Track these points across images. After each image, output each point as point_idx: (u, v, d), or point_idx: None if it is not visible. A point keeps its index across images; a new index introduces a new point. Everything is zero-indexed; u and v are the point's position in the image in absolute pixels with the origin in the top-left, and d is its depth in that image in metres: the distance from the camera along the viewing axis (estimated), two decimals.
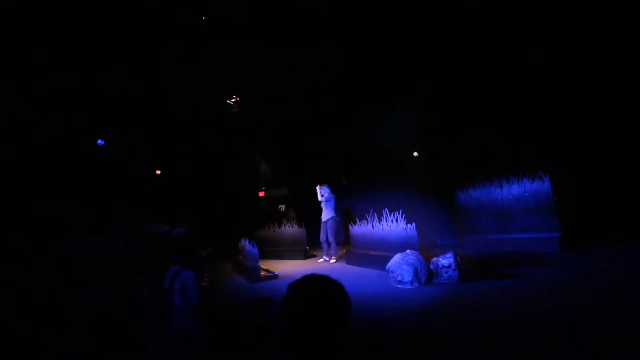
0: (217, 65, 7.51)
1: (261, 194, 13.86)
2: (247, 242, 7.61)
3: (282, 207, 13.68)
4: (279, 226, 9.93)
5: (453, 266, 5.15)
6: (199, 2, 6.27)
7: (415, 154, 10.72)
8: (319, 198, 8.40)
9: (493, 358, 2.71)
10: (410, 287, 5.13)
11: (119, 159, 8.80)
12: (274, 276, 6.99)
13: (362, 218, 7.61)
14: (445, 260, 5.27)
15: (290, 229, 9.60)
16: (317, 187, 8.48)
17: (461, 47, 7.84)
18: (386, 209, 6.78)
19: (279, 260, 9.16)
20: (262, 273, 7.19)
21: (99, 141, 8.60)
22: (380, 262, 6.08)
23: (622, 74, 6.57)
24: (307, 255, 9.13)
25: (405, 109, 9.54)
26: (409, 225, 6.27)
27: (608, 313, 3.13)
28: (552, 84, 7.20)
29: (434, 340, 3.21)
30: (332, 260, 8.10)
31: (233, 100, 8.50)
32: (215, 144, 10.49)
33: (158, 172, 10.37)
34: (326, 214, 8.24)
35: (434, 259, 5.37)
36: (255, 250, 7.23)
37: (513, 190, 6.96)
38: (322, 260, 8.38)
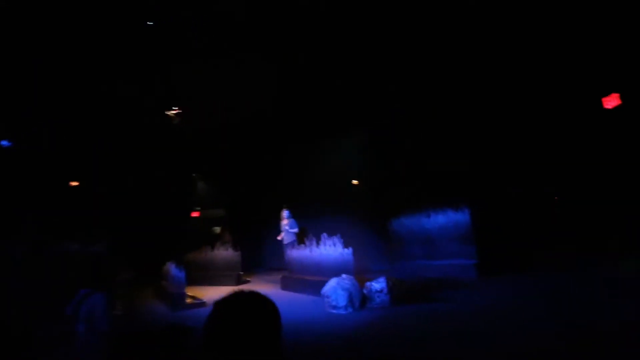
0: (156, 76, 7.10)
1: (195, 214, 12.99)
2: (173, 266, 6.95)
3: (218, 229, 12.97)
4: (212, 249, 9.31)
5: (385, 290, 5.32)
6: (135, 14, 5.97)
7: (355, 182, 11.21)
8: (283, 223, 8.30)
9: None
10: (344, 312, 5.13)
11: (28, 164, 7.52)
12: (201, 303, 6.44)
13: (301, 242, 7.57)
14: (378, 284, 5.44)
15: (224, 252, 9.06)
16: (283, 211, 8.37)
17: (393, 93, 8.69)
18: (324, 234, 6.84)
19: (209, 287, 8.50)
20: (188, 300, 6.59)
21: (3, 142, 7.31)
22: (316, 287, 6.01)
23: (530, 120, 7.84)
24: (239, 281, 8.63)
25: (345, 140, 10.03)
26: (345, 249, 6.38)
27: (518, 335, 3.48)
28: (472, 129, 8.28)
29: None
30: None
31: (174, 111, 8.00)
32: (147, 157, 9.66)
33: (74, 183, 9.12)
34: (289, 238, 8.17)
35: (368, 283, 5.50)
36: (181, 275, 6.63)
37: (439, 219, 7.59)
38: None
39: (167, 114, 7.94)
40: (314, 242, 7.10)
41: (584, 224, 7.29)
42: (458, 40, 7.39)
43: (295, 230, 8.25)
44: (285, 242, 8.27)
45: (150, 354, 1.75)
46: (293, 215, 8.62)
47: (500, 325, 3.78)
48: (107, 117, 7.87)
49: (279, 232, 9.11)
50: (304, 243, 7.85)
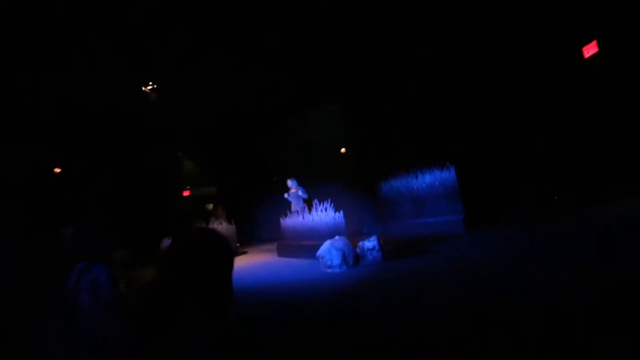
0: (137, 56, 6.79)
1: (185, 193, 12.98)
2: (169, 241, 7.03)
3: (210, 206, 13.03)
4: (207, 224, 9.41)
5: (377, 248, 5.56)
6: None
7: (343, 150, 11.28)
8: (291, 192, 8.24)
9: (409, 320, 3.01)
10: (339, 270, 5.36)
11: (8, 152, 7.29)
12: None
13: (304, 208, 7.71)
14: (369, 243, 5.66)
15: (219, 227, 9.18)
16: (288, 181, 8.28)
17: (381, 58, 8.53)
18: (316, 200, 6.97)
19: None
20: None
21: None
22: (311, 251, 6.21)
23: (513, 86, 7.90)
24: (236, 253, 8.84)
25: (329, 108, 9.96)
26: (337, 213, 6.55)
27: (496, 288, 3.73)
28: (457, 93, 8.32)
29: (360, 309, 3.43)
30: None
31: (149, 87, 7.72)
32: (132, 138, 9.45)
33: (57, 170, 8.94)
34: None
35: (360, 242, 5.71)
36: None
37: (426, 179, 7.78)
38: None
39: (144, 90, 7.66)
40: (306, 210, 7.25)
41: (572, 172, 7.56)
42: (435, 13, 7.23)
43: (305, 196, 8.25)
44: (293, 209, 8.30)
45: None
46: (299, 183, 8.54)
47: (479, 269, 4.06)
48: (87, 100, 7.58)
49: (283, 202, 9.14)
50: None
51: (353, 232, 8.03)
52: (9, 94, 6.89)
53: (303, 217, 7.30)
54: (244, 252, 9.14)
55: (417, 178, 7.99)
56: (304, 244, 6.96)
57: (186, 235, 0.93)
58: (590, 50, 6.53)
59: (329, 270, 5.43)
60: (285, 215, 8.03)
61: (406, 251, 5.61)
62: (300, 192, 8.19)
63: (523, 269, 3.82)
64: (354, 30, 7.76)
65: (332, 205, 6.71)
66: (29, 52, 6.21)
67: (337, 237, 5.86)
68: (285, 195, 8.31)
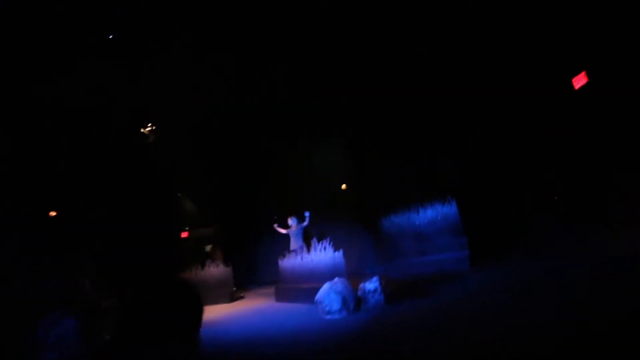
0: (134, 91, 6.98)
1: (184, 234, 12.71)
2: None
3: (208, 248, 12.70)
4: (202, 268, 9.06)
5: (379, 290, 5.22)
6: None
7: (344, 186, 11.18)
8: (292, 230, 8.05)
9: None
10: (339, 316, 4.99)
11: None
12: None
13: (304, 248, 7.46)
14: (371, 285, 5.33)
15: (215, 270, 8.83)
16: (289, 219, 8.16)
17: (378, 94, 8.74)
18: (314, 239, 6.73)
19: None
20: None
21: None
22: (310, 294, 5.85)
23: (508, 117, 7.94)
24: (233, 298, 8.39)
25: (332, 145, 10.01)
26: (336, 253, 6.28)
27: (511, 326, 3.40)
28: (456, 127, 8.37)
29: None
30: None
31: (148, 128, 7.84)
32: (129, 177, 9.42)
33: (53, 213, 8.83)
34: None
35: (361, 284, 5.39)
36: None
37: (428, 214, 7.56)
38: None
39: (142, 132, 7.77)
40: (305, 249, 6.99)
41: (577, 201, 7.29)
42: (435, 38, 7.50)
43: (306, 222, 8.04)
44: (292, 247, 8.05)
45: None
46: (299, 221, 8.36)
47: (488, 314, 3.73)
48: (83, 137, 7.66)
49: (282, 242, 8.87)
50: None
51: (354, 271, 7.68)
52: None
53: (302, 258, 7.01)
54: (241, 297, 8.70)
55: (418, 213, 7.77)
56: (303, 286, 6.61)
57: (151, 286, 0.92)
58: (580, 81, 6.62)
59: (328, 317, 5.06)
60: (284, 256, 7.74)
61: (410, 293, 5.26)
62: (298, 233, 8.00)
63: (533, 312, 3.49)
64: (353, 66, 8.01)
65: (331, 244, 6.46)
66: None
67: (336, 279, 5.54)
68: (284, 230, 8.14)
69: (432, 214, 7.48)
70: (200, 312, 0.90)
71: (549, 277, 4.80)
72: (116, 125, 7.49)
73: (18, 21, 5.57)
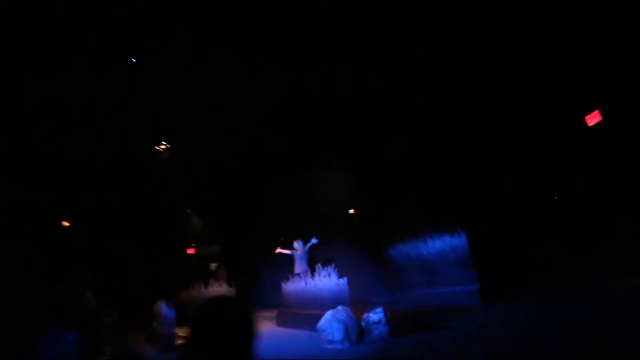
0: (145, 108, 7.25)
1: (190, 251, 12.72)
2: (163, 304, 6.66)
3: (214, 266, 12.64)
4: (206, 286, 8.98)
5: (383, 321, 5.05)
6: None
7: (351, 211, 11.12)
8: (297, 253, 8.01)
9: None
10: (340, 346, 4.83)
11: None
12: None
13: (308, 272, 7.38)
14: (375, 316, 5.17)
15: (218, 289, 8.74)
16: (294, 242, 8.13)
17: (386, 115, 8.86)
18: (319, 264, 6.64)
19: None
20: (179, 341, 6.22)
21: None
22: (312, 321, 5.71)
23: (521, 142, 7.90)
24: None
25: (339, 168, 10.06)
26: (340, 279, 6.17)
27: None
28: (464, 154, 8.35)
29: None
30: None
31: (162, 146, 8.09)
32: (138, 194, 9.62)
33: (65, 223, 9.00)
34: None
35: (365, 314, 5.23)
36: (171, 314, 6.33)
37: (436, 245, 7.40)
38: None
39: (157, 149, 8.02)
40: (309, 274, 6.89)
41: (589, 231, 7.03)
42: (441, 63, 7.63)
43: (315, 241, 7.98)
44: (296, 271, 7.96)
45: None
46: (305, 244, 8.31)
47: (496, 354, 3.54)
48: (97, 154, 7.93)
49: (286, 264, 8.77)
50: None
51: (358, 299, 7.48)
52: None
53: (305, 283, 6.90)
54: None
55: (426, 243, 7.62)
56: (305, 312, 6.46)
57: (212, 302, 1.04)
58: (593, 119, 6.60)
59: (330, 346, 4.90)
60: (288, 279, 7.63)
61: (416, 326, 5.07)
62: (303, 257, 7.92)
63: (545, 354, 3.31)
64: (360, 87, 8.16)
65: (335, 270, 6.35)
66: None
67: (339, 308, 5.40)
68: (287, 251, 8.07)
69: (440, 245, 7.32)
70: (254, 327, 1.01)
71: (562, 314, 4.58)
72: (130, 142, 7.74)
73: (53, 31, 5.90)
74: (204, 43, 6.44)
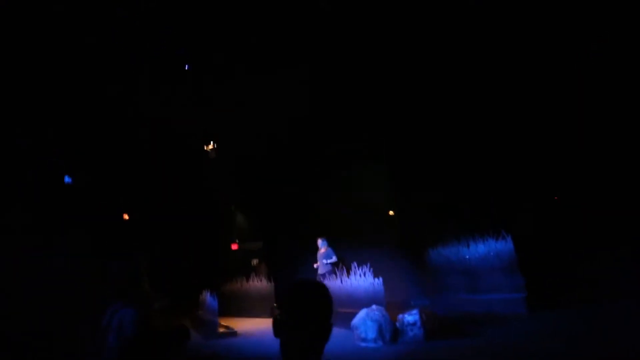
0: (197, 112, 7.86)
1: (234, 246, 13.40)
2: (208, 294, 7.15)
3: (255, 261, 13.18)
4: (247, 280, 9.43)
5: (418, 324, 4.96)
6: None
7: (391, 212, 10.97)
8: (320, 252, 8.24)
9: None
10: (373, 345, 4.84)
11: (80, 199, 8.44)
12: (233, 333, 6.48)
13: (332, 272, 7.46)
14: (410, 317, 5.10)
15: (258, 284, 9.13)
16: (318, 240, 8.35)
17: (431, 116, 8.64)
18: (354, 263, 6.68)
19: (244, 318, 8.53)
20: (221, 329, 6.65)
21: (66, 178, 8.38)
22: (346, 319, 5.77)
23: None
24: (272, 313, 8.55)
25: (378, 167, 9.98)
26: (376, 279, 6.15)
27: None
28: (509, 152, 7.88)
29: None
30: None
31: (211, 146, 8.69)
32: (189, 190, 10.40)
33: (126, 216, 10.02)
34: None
35: (400, 315, 5.19)
36: (214, 303, 6.77)
37: (479, 249, 7.05)
38: None
39: (205, 149, 8.63)
40: (345, 272, 6.95)
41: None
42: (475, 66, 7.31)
43: (333, 259, 8.08)
44: (320, 272, 8.11)
45: None
46: (330, 244, 8.45)
47: None
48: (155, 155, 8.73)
49: (315, 261, 8.99)
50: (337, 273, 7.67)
51: (395, 301, 7.39)
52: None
53: (342, 281, 6.97)
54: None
55: (468, 247, 7.29)
56: (340, 310, 6.53)
57: (300, 284, 1.16)
58: None
59: (363, 344, 4.93)
60: (328, 276, 7.75)
61: (452, 331, 4.91)
62: (326, 257, 7.99)
63: None
64: (403, 86, 8.07)
65: (371, 270, 6.34)
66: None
67: (374, 307, 5.41)
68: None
69: (484, 250, 6.96)
70: (332, 306, 1.13)
71: (614, 328, 4.15)
72: (182, 141, 8.41)
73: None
74: (248, 50, 6.85)
